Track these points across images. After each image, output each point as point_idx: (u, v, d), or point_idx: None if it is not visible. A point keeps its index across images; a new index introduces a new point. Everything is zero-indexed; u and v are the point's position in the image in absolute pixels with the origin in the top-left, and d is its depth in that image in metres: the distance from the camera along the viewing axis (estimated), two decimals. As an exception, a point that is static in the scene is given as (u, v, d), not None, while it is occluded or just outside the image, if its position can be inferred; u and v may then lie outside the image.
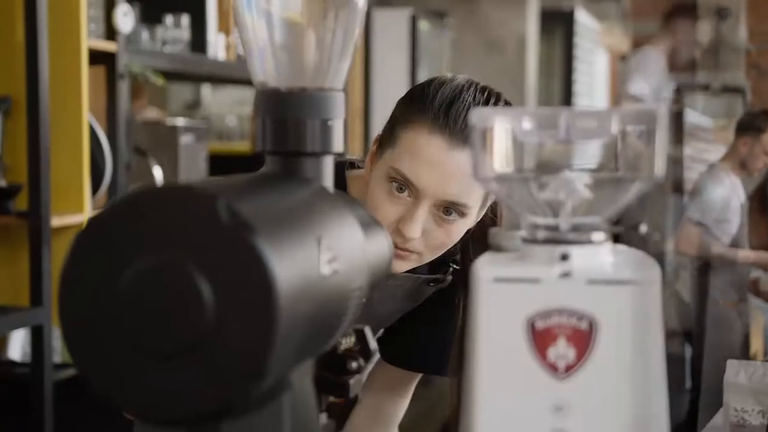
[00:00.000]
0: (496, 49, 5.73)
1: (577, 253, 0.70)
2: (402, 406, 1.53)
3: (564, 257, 0.70)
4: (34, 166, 2.42)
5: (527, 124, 0.71)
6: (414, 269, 1.40)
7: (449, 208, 1.28)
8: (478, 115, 0.71)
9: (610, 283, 0.69)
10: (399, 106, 1.32)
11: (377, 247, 0.88)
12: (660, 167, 0.70)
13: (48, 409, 2.46)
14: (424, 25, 5.20)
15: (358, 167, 1.46)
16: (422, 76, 5.56)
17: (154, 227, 0.63)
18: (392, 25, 5.05)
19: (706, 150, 4.95)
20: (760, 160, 4.37)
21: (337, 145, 0.83)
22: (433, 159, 1.25)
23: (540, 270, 0.69)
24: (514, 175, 0.72)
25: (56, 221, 2.49)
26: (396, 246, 1.28)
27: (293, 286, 0.64)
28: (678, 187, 4.70)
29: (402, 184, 1.27)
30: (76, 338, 0.64)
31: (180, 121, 3.27)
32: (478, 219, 1.36)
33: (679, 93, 4.71)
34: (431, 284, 1.44)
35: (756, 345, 4.76)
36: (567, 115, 0.69)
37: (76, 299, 0.64)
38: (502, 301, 0.70)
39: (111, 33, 2.73)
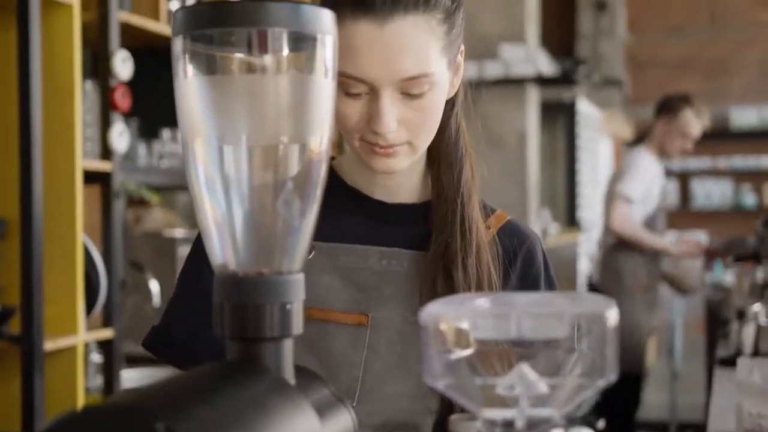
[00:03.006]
0: (497, 145, 5.76)
1: (532, 453, 0.68)
2: None
3: (519, 459, 0.68)
4: (27, 289, 2.42)
5: (480, 323, 0.70)
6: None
7: (412, 85, 1.16)
8: (428, 314, 0.70)
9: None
10: None
11: (337, 427, 0.87)
12: (614, 367, 0.69)
13: None
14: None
15: None
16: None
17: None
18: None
19: None
20: (677, 141, 4.53)
21: (297, 327, 0.82)
22: (367, 44, 1.13)
23: (494, 474, 0.68)
24: (466, 371, 0.71)
25: (49, 345, 2.48)
26: (379, 146, 1.18)
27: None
28: None
29: (351, 84, 1.15)
30: None
31: (179, 233, 3.28)
32: (456, 83, 1.26)
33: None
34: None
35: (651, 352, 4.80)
36: (518, 315, 0.69)
37: None
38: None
39: (107, 152, 2.75)
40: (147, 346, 1.36)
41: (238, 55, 0.78)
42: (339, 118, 1.18)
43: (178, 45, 0.79)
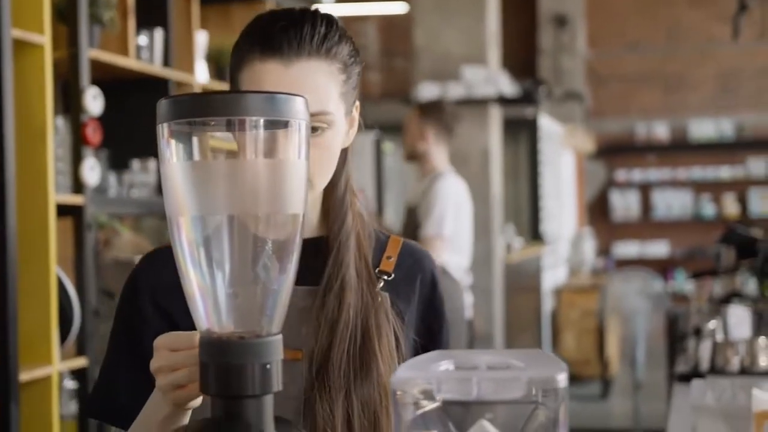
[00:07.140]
0: (461, 162, 5.85)
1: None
2: None
3: None
4: (2, 321, 2.47)
5: (444, 386, 0.78)
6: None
7: (312, 120, 1.17)
8: (398, 379, 0.78)
9: None
10: (231, 57, 1.30)
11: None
12: (566, 423, 0.77)
13: None
14: (388, 146, 5.35)
15: None
16: (388, 196, 5.68)
17: None
18: (357, 148, 5.16)
19: None
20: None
21: (276, 384, 0.90)
22: (274, 81, 1.22)
23: None
24: (433, 427, 0.79)
25: (25, 375, 2.53)
26: None
27: None
28: None
29: None
30: None
31: (148, 259, 3.33)
32: (351, 136, 1.33)
33: None
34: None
35: None
36: (478, 378, 0.77)
37: None
38: None
39: (78, 185, 2.81)
40: (91, 413, 1.36)
41: (218, 141, 0.86)
42: None
43: (163, 131, 0.87)
